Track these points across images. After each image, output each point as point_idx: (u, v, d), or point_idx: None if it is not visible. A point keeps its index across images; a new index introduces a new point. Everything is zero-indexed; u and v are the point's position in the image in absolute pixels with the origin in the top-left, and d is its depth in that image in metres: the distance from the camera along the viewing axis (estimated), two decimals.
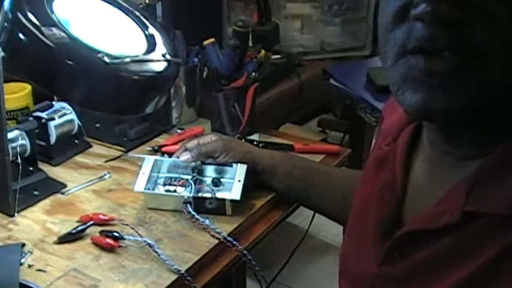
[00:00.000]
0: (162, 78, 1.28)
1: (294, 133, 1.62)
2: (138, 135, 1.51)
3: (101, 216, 1.19)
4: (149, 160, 1.22)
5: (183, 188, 1.18)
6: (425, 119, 0.75)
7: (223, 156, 1.23)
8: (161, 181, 1.20)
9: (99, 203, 1.27)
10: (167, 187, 1.19)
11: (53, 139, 1.40)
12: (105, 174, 1.36)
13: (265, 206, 1.26)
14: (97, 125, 1.53)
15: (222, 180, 1.20)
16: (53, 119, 1.38)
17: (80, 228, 1.17)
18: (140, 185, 1.20)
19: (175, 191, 1.18)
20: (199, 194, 1.18)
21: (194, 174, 1.20)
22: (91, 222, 1.18)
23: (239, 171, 1.20)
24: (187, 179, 1.18)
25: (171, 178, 1.20)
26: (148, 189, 1.19)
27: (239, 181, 1.18)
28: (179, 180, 1.19)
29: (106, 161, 1.43)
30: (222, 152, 1.23)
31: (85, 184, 1.32)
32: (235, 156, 1.23)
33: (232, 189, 1.17)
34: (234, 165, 1.20)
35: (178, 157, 1.23)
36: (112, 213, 1.22)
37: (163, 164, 1.22)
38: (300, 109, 2.09)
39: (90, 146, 1.49)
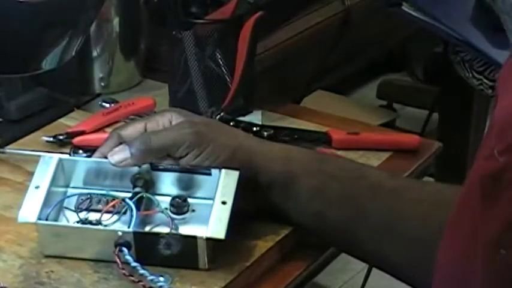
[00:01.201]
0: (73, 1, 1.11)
1: (330, 109, 1.38)
2: (26, 113, 1.22)
3: None
4: (48, 161, 0.97)
5: (115, 217, 0.95)
6: None
7: (194, 154, 0.96)
8: (72, 203, 0.97)
9: None
10: (84, 214, 0.96)
11: None
12: None
13: (272, 252, 1.01)
14: None
15: (190, 201, 0.97)
16: None
17: None
18: (30, 210, 0.93)
19: (98, 223, 0.94)
20: (147, 228, 0.96)
21: (137, 190, 0.96)
22: None
23: (224, 183, 0.95)
24: (122, 199, 0.95)
25: (91, 197, 0.97)
26: (47, 218, 0.93)
27: (224, 203, 0.93)
28: (107, 201, 0.96)
29: None
30: (191, 146, 0.96)
31: None
32: (215, 154, 0.97)
33: (211, 219, 0.93)
34: (214, 172, 0.96)
35: (106, 156, 0.97)
36: None
37: (76, 169, 0.99)
38: (342, 63, 1.70)
39: None
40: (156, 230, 0.95)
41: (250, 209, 0.99)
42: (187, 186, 0.98)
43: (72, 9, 1.09)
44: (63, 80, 1.22)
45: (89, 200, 0.97)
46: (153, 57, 1.37)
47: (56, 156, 0.97)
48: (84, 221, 0.94)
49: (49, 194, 0.94)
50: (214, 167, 0.96)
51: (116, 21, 1.30)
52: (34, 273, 0.92)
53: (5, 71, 1.08)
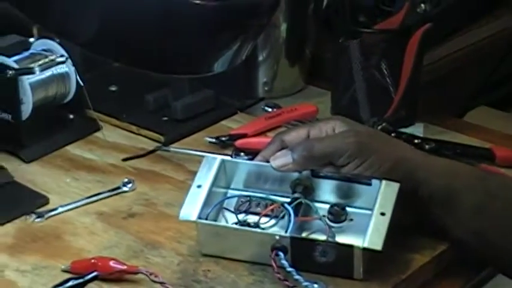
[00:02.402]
0: (250, 5, 1.06)
1: (493, 125, 1.31)
2: (191, 114, 1.23)
3: (113, 265, 0.93)
4: (211, 162, 0.99)
5: (273, 221, 0.95)
6: None
7: (355, 164, 0.95)
8: (232, 204, 0.97)
9: (110, 237, 1.00)
10: (242, 216, 0.96)
11: (26, 111, 1.14)
12: (124, 184, 1.07)
13: (429, 267, 0.99)
14: (113, 89, 1.27)
15: (348, 210, 0.96)
16: (30, 71, 1.12)
17: (70, 284, 0.93)
18: (191, 209, 0.94)
19: (256, 226, 0.95)
20: (304, 234, 0.95)
21: (296, 195, 0.95)
22: (93, 273, 0.93)
23: (383, 195, 0.94)
24: (281, 204, 0.95)
25: (250, 200, 0.97)
26: (207, 218, 0.94)
27: (382, 214, 0.92)
28: (266, 205, 0.96)
29: (126, 159, 1.13)
30: (353, 155, 0.95)
31: (84, 200, 1.05)
32: (377, 165, 0.96)
33: (369, 229, 0.91)
34: (374, 182, 0.95)
35: (268, 160, 0.99)
36: (135, 259, 0.96)
37: (237, 171, 0.99)
38: (508, 79, 1.68)
39: (98, 129, 1.20)
40: (313, 236, 0.95)
41: (408, 222, 0.98)
42: (346, 195, 0.98)
43: (245, 13, 1.09)
44: (228, 82, 1.23)
45: (248, 203, 0.97)
46: (317, 64, 1.36)
47: (219, 158, 0.99)
48: (242, 223, 0.95)
49: (210, 194, 0.96)
50: (375, 178, 0.96)
51: (283, 27, 1.31)
52: (192, 270, 0.94)
53: (177, 71, 1.09)
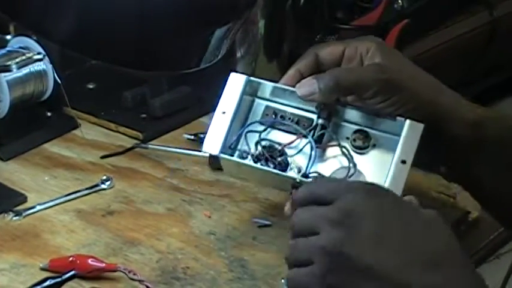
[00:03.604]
0: (228, 1, 1.07)
1: None
2: (169, 111, 1.23)
3: (92, 262, 0.93)
4: (237, 82, 0.96)
5: (295, 150, 0.93)
6: None
7: (379, 99, 0.92)
8: (258, 114, 0.97)
9: (88, 235, 1.00)
10: (265, 134, 0.94)
11: (3, 109, 1.14)
12: (103, 182, 1.08)
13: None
14: (90, 86, 1.27)
15: (372, 133, 0.94)
16: (7, 69, 1.12)
17: (48, 283, 0.92)
18: (214, 140, 0.94)
19: (280, 154, 0.93)
20: (326, 163, 0.94)
21: (321, 122, 0.93)
22: (71, 272, 0.92)
23: (406, 137, 0.91)
24: (304, 136, 0.93)
25: (275, 113, 0.95)
26: (231, 146, 0.94)
27: (403, 162, 0.90)
28: (292, 119, 0.94)
29: (104, 157, 1.13)
30: (379, 92, 0.91)
31: (62, 198, 1.05)
32: (401, 103, 0.92)
33: (388, 178, 0.90)
34: (399, 119, 0.92)
35: (294, 88, 0.96)
36: (114, 256, 0.96)
37: (263, 90, 0.97)
38: (485, 75, 1.68)
39: (76, 126, 1.20)
40: (335, 168, 0.94)
41: (424, 161, 0.97)
42: (370, 123, 0.97)
43: (223, 10, 1.08)
44: (206, 79, 1.18)
45: (273, 115, 0.96)
46: (295, 60, 1.29)
47: (244, 77, 0.97)
48: (263, 154, 0.94)
49: (235, 120, 0.95)
50: (400, 115, 0.94)
51: (261, 23, 1.29)
52: (171, 268, 0.94)
53: (155, 68, 1.09)
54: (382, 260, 0.80)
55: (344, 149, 0.93)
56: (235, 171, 0.97)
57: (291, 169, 0.93)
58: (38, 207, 1.04)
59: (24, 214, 1.02)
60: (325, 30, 1.22)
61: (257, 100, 0.98)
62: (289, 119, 0.95)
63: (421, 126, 0.92)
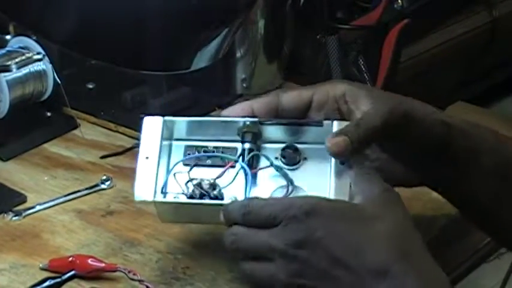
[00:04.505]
0: (227, 1, 1.07)
1: (472, 121, 1.18)
2: (169, 111, 1.10)
3: (91, 263, 0.92)
4: (153, 125, 0.93)
5: (228, 177, 0.90)
6: None
7: (403, 133, 0.87)
8: (179, 155, 0.92)
9: (88, 235, 0.99)
10: (196, 180, 0.89)
11: (3, 109, 1.13)
12: (103, 182, 1.07)
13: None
14: (90, 86, 1.26)
15: (301, 147, 0.90)
16: (7, 69, 1.12)
17: (48, 284, 0.91)
18: (144, 187, 0.91)
19: (213, 187, 0.89)
20: (261, 188, 0.90)
21: (249, 146, 0.89)
22: (71, 272, 0.91)
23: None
24: (235, 161, 0.90)
25: (197, 149, 0.92)
26: (162, 189, 0.90)
27: (342, 164, 0.87)
28: (215, 151, 0.91)
29: (104, 157, 1.13)
30: (404, 126, 0.86)
31: (62, 198, 1.04)
32: (418, 127, 0.88)
33: (332, 179, 0.86)
34: (326, 123, 0.89)
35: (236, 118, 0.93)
36: (113, 256, 0.95)
37: (181, 126, 0.94)
38: (486, 75, 1.70)
39: (76, 126, 1.19)
40: (271, 186, 0.91)
41: (415, 183, 0.94)
42: (296, 137, 0.94)
43: (223, 10, 1.09)
44: (206, 79, 1.22)
45: (196, 152, 0.93)
46: (295, 60, 1.36)
47: (159, 119, 0.94)
48: (197, 189, 0.91)
49: (160, 164, 0.92)
50: (327, 119, 0.91)
51: (261, 23, 1.30)
52: (170, 268, 0.93)
53: (154, 68, 1.09)
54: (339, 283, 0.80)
55: (277, 168, 0.91)
56: (173, 215, 0.95)
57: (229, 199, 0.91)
58: (38, 207, 1.03)
59: (24, 214, 1.02)
60: (325, 30, 1.22)
61: (175, 143, 0.95)
62: (213, 152, 0.93)
63: (347, 123, 0.90)
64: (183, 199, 0.90)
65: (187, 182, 0.90)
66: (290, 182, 0.89)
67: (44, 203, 1.03)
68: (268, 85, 1.33)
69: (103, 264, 0.92)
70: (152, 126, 0.93)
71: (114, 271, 0.91)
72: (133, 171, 1.09)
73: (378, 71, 1.22)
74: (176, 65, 1.08)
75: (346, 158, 0.86)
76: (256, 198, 0.87)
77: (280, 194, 0.88)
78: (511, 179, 0.93)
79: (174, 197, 0.91)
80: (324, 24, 1.23)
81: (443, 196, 0.95)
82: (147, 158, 0.91)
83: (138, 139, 1.13)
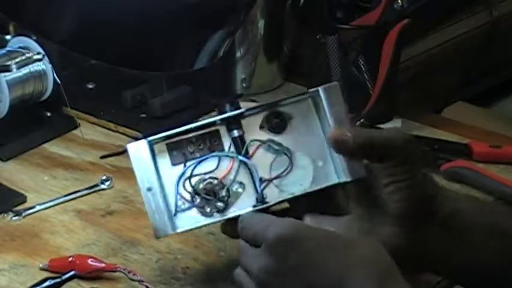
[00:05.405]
0: (227, 1, 1.04)
1: (470, 121, 1.32)
2: (169, 111, 1.22)
3: (91, 263, 0.92)
4: (141, 149, 0.89)
5: (234, 178, 0.89)
6: None
7: (406, 159, 0.84)
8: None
9: (88, 235, 1.00)
10: (195, 181, 0.88)
11: (3, 109, 1.13)
12: (102, 182, 1.07)
13: None
14: (90, 86, 1.27)
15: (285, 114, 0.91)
16: (7, 69, 1.12)
17: (48, 284, 0.91)
18: (160, 221, 0.87)
19: (219, 199, 0.89)
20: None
21: (235, 134, 0.88)
22: (70, 273, 0.92)
23: (329, 98, 0.90)
24: (238, 159, 0.89)
25: (190, 139, 0.90)
26: (176, 213, 0.89)
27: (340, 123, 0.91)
28: (211, 139, 0.89)
29: (104, 157, 1.13)
30: (406, 152, 0.83)
31: (62, 198, 1.05)
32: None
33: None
34: (311, 91, 0.90)
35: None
36: (113, 256, 0.96)
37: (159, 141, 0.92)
38: (486, 74, 1.64)
39: (76, 126, 1.19)
40: (271, 165, 0.88)
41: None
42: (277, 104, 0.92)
43: (223, 10, 1.07)
44: (206, 79, 1.23)
45: (182, 152, 0.89)
46: (295, 60, 1.37)
47: (144, 144, 0.90)
48: (207, 198, 0.88)
49: (164, 191, 0.88)
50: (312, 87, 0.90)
51: (261, 23, 1.31)
52: (170, 268, 0.93)
53: (154, 68, 1.08)
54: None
55: (269, 143, 0.89)
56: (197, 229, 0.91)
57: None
58: (38, 207, 1.03)
59: (23, 214, 1.02)
60: (325, 30, 1.22)
61: (160, 159, 0.90)
62: (198, 142, 0.88)
63: (335, 83, 0.90)
64: (203, 221, 0.88)
65: (195, 192, 0.88)
66: (287, 149, 0.88)
67: (44, 203, 1.03)
68: (268, 85, 1.34)
69: (103, 264, 0.92)
70: (139, 152, 0.89)
71: (114, 271, 0.91)
72: (132, 171, 1.05)
73: (377, 71, 1.20)
74: (176, 65, 1.07)
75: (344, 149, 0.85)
76: (249, 212, 0.86)
77: (281, 168, 0.87)
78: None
79: (194, 223, 0.88)
80: (324, 24, 1.22)
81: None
82: (149, 189, 0.88)
83: (138, 139, 1.13)
